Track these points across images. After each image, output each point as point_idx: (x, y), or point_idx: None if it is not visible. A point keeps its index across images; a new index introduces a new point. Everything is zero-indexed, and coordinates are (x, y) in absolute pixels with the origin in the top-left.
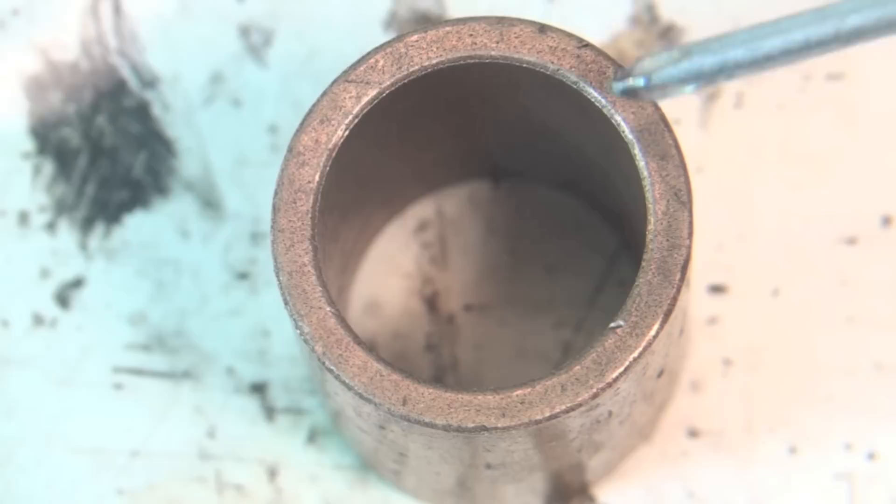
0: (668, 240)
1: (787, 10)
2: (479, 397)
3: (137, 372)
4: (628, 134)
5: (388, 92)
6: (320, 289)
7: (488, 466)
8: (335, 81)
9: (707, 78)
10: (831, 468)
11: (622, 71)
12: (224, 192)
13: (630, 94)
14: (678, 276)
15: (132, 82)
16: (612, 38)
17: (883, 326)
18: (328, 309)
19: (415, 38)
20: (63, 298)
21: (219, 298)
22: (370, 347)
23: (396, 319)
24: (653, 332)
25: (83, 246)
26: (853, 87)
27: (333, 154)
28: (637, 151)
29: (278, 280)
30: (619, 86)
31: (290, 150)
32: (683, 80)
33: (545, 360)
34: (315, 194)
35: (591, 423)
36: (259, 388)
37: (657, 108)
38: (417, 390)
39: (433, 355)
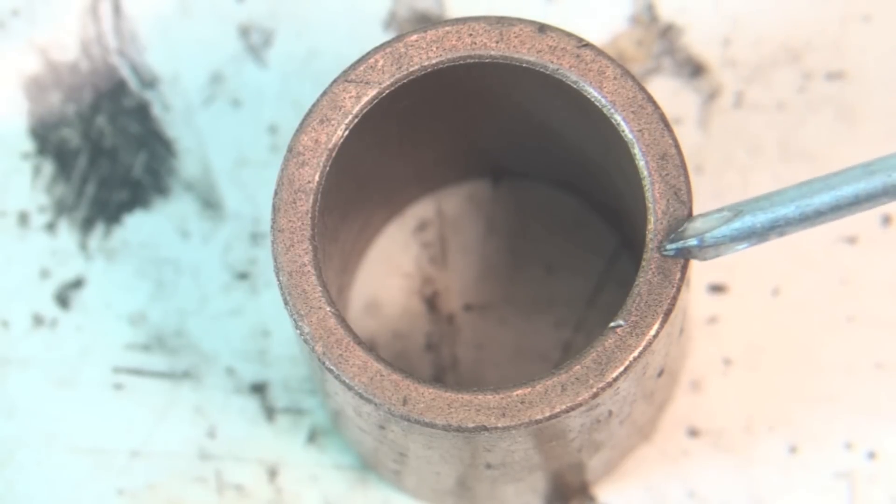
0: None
1: (787, 11)
2: (479, 397)
3: (137, 372)
4: (628, 134)
5: (387, 92)
6: (320, 289)
7: (488, 466)
8: (335, 81)
9: (759, 236)
10: (831, 468)
11: (676, 234)
12: (224, 192)
13: (684, 253)
14: (678, 275)
15: (132, 82)
16: (612, 38)
17: (883, 326)
18: (328, 309)
19: (414, 37)
20: (63, 298)
21: (219, 298)
22: (370, 347)
23: (396, 319)
24: (653, 332)
25: (83, 246)
26: (853, 86)
27: (333, 154)
28: (637, 151)
29: (278, 280)
30: (672, 246)
31: (290, 150)
32: (735, 239)
33: (545, 360)
34: (315, 194)
35: (592, 422)
36: (259, 388)
37: (657, 108)
38: (417, 390)
39: (433, 355)
